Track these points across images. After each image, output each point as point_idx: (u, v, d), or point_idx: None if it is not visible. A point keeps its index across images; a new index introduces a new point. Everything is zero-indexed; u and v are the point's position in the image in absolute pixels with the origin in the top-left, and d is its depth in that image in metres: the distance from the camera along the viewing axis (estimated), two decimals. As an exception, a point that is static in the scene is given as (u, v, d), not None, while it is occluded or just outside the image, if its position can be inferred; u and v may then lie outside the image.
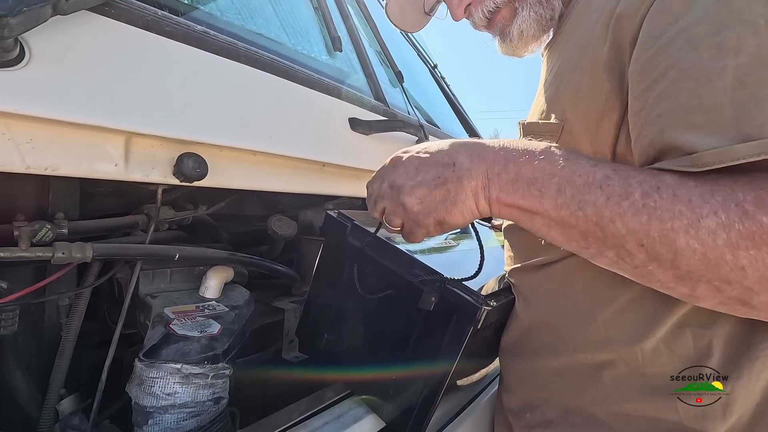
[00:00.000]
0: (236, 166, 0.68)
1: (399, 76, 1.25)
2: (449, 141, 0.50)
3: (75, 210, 0.69)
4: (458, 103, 1.56)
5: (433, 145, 0.50)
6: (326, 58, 0.96)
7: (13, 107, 0.42)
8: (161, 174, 0.57)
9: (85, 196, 0.71)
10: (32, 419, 0.65)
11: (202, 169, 0.59)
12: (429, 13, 0.77)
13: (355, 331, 0.73)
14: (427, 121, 1.39)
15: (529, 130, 0.61)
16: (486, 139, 0.49)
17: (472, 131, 1.57)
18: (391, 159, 0.53)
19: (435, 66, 1.59)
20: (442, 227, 0.49)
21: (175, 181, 0.59)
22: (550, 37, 0.67)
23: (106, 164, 0.52)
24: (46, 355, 0.70)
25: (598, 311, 0.55)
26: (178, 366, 0.62)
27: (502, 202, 0.45)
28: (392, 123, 0.94)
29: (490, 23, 0.66)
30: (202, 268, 0.89)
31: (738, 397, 0.50)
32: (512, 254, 0.69)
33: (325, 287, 0.78)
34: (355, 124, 0.89)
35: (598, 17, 0.50)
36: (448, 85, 1.59)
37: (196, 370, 0.63)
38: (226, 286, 0.89)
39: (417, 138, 1.09)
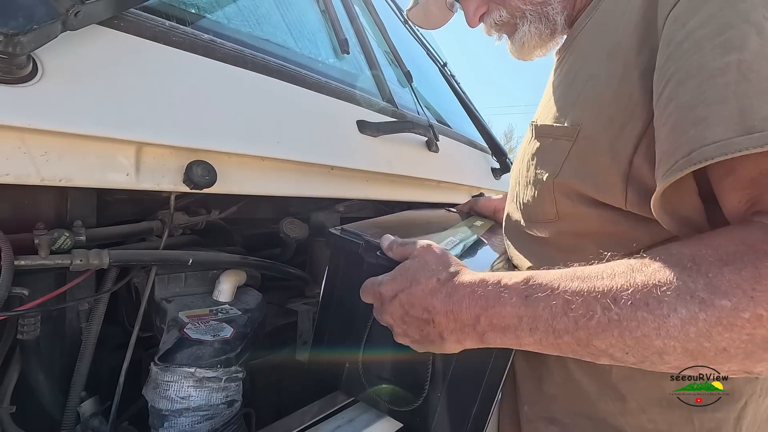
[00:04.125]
0: (245, 172, 0.68)
1: (408, 76, 1.25)
2: (431, 282, 0.49)
3: (92, 217, 0.71)
4: (469, 100, 1.54)
5: (416, 291, 0.49)
6: (333, 61, 0.97)
7: (27, 122, 0.44)
8: (171, 182, 0.58)
9: (102, 203, 0.73)
10: (55, 421, 0.68)
11: (210, 176, 0.60)
12: (451, 9, 0.81)
13: (382, 360, 0.64)
14: (438, 121, 1.38)
15: (543, 132, 0.61)
16: (461, 274, 0.49)
17: (483, 129, 1.55)
18: (381, 295, 0.53)
19: (444, 64, 1.57)
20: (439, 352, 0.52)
21: (185, 189, 0.60)
22: (560, 42, 0.69)
23: (118, 174, 0.53)
24: (67, 358, 0.72)
25: None
26: (192, 370, 0.63)
27: (483, 343, 0.47)
28: (401, 124, 0.94)
29: (500, 30, 0.71)
30: (215, 271, 0.91)
31: (749, 411, 0.51)
32: (517, 264, 0.69)
33: (337, 315, 0.69)
34: (363, 126, 0.88)
35: (631, 24, 0.49)
36: (458, 83, 1.57)
37: (210, 373, 0.64)
38: (239, 290, 0.90)
39: (426, 138, 1.08)
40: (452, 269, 0.50)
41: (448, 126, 1.43)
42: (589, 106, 0.54)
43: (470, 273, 0.49)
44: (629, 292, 0.37)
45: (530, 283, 0.43)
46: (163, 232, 0.77)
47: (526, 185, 0.64)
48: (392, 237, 0.58)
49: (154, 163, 0.57)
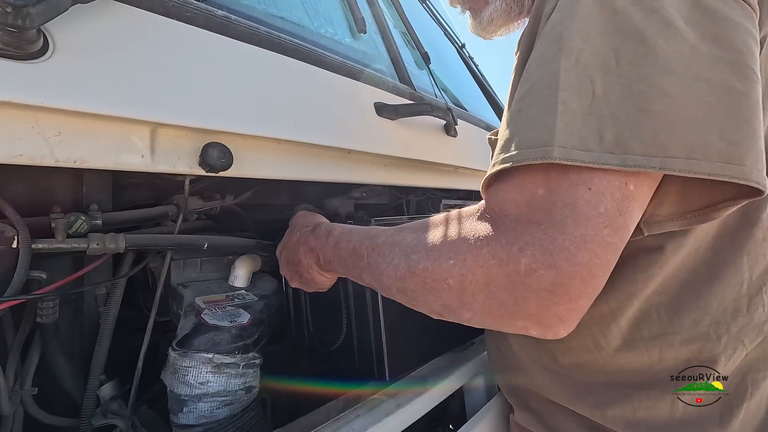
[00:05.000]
0: (261, 155, 0.66)
1: (425, 58, 1.20)
2: (297, 235, 0.69)
3: (108, 201, 0.71)
4: (487, 83, 1.49)
5: (290, 241, 0.70)
6: (350, 41, 0.93)
7: (40, 100, 0.42)
8: (187, 165, 0.57)
9: (117, 187, 0.72)
10: (75, 403, 0.68)
11: (227, 158, 0.58)
12: None
13: (321, 320, 0.86)
14: (455, 104, 1.34)
15: (490, 143, 0.69)
16: (316, 227, 0.67)
17: (501, 113, 1.50)
18: (278, 254, 0.75)
19: (463, 45, 1.51)
20: (320, 290, 0.71)
21: (201, 172, 0.58)
22: (521, 27, 0.69)
23: (132, 156, 0.52)
24: (86, 342, 0.72)
25: None
26: (210, 356, 0.62)
27: (328, 272, 0.65)
28: (419, 107, 0.90)
29: (465, 2, 0.71)
30: (231, 257, 0.90)
31: (739, 411, 0.52)
32: None
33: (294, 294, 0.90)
34: (380, 108, 0.85)
35: (525, 37, 0.52)
36: (476, 65, 1.52)
37: (228, 359, 0.63)
38: (255, 275, 0.89)
39: (445, 122, 1.04)
40: (311, 225, 0.68)
41: (465, 109, 1.39)
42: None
43: (320, 226, 0.66)
44: (381, 244, 0.51)
45: (342, 232, 0.61)
46: (177, 216, 0.76)
47: None
48: None
49: (169, 145, 0.55)
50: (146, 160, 0.53)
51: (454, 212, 0.48)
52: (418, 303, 0.48)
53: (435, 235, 0.46)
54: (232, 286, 0.84)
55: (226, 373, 0.63)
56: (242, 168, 0.62)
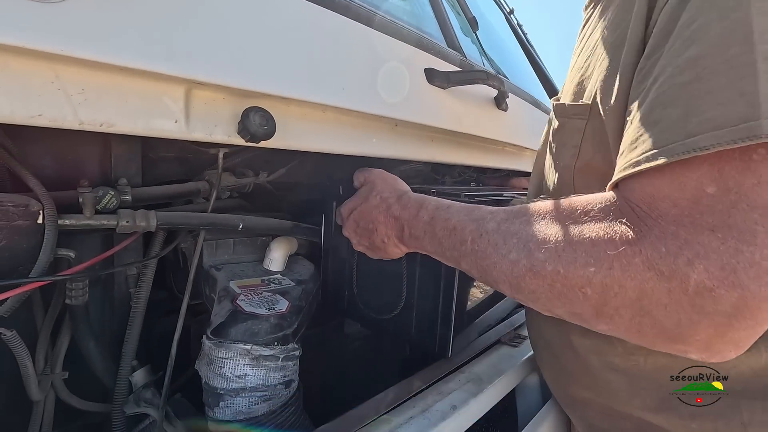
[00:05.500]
0: (304, 125, 0.59)
1: (473, 23, 1.09)
2: (377, 199, 0.62)
3: (137, 175, 0.65)
4: (536, 53, 1.36)
5: (368, 204, 0.63)
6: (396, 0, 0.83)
7: (59, 47, 0.35)
8: (225, 132, 0.49)
9: (145, 161, 0.66)
10: (108, 390, 0.65)
11: (269, 126, 0.50)
12: None
13: (369, 284, 0.78)
14: (500, 74, 1.22)
15: (559, 111, 0.59)
16: (400, 195, 0.61)
17: (549, 84, 1.37)
18: (342, 214, 0.68)
19: (511, 11, 1.38)
20: (385, 259, 0.65)
21: (240, 141, 0.51)
22: None
23: (165, 120, 0.45)
24: (117, 325, 0.68)
25: None
26: (248, 347, 0.57)
27: (409, 247, 0.59)
28: (474, 74, 0.80)
29: None
30: (264, 238, 0.84)
31: None
32: None
33: (336, 253, 0.82)
34: (432, 75, 0.76)
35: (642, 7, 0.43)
36: (525, 33, 1.38)
37: (266, 351, 0.58)
38: (291, 259, 0.83)
39: (497, 93, 0.94)
40: (394, 190, 0.63)
41: (507, 78, 1.27)
42: (600, 80, 0.49)
43: (407, 195, 0.60)
44: (492, 232, 0.45)
45: (438, 207, 0.54)
46: (210, 194, 0.70)
47: (551, 169, 0.60)
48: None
49: (205, 109, 0.48)
50: (180, 126, 0.46)
51: (571, 202, 0.41)
52: (536, 304, 0.42)
53: (565, 232, 0.39)
54: (267, 269, 0.79)
55: (265, 366, 0.58)
56: (285, 138, 0.55)
